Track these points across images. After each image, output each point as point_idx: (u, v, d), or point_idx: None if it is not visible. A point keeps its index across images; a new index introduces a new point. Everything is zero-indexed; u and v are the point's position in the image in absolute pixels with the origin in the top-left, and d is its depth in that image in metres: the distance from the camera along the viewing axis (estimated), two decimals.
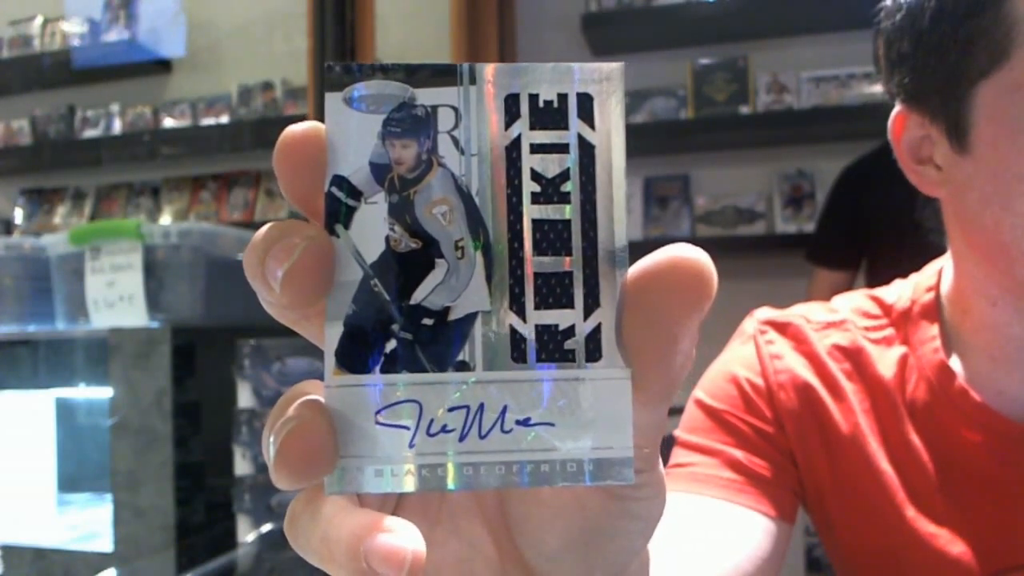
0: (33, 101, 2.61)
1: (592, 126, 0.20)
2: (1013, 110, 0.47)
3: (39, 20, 2.55)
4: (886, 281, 0.63)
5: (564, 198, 0.20)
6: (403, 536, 0.19)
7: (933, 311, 0.57)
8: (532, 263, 0.20)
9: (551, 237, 0.20)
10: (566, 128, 0.20)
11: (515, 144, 0.20)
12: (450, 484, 0.20)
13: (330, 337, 0.20)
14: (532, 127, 0.20)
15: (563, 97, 0.20)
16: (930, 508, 0.53)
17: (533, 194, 0.20)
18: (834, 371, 0.58)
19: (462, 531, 0.25)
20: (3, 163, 2.64)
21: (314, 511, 0.21)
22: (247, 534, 1.07)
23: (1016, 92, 0.46)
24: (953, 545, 0.52)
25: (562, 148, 0.20)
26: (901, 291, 0.60)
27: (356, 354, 0.20)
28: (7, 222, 2.65)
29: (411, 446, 0.20)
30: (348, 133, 0.20)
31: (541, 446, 0.20)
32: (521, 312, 0.20)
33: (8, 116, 2.61)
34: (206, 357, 1.14)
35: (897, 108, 0.54)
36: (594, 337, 0.20)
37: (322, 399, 0.20)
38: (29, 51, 2.54)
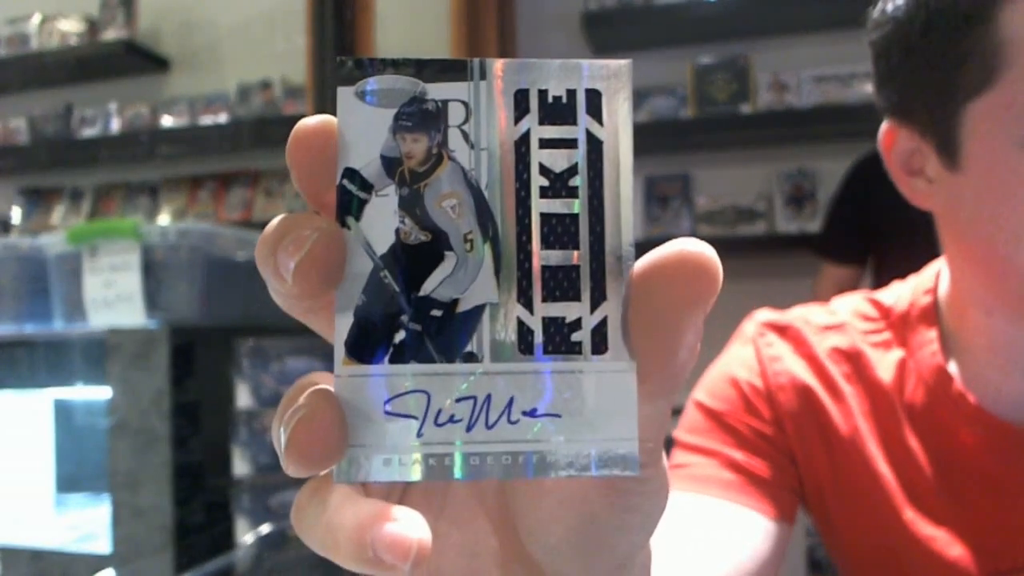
0: (31, 100, 2.61)
1: (600, 122, 0.20)
2: (1003, 130, 0.46)
3: (37, 18, 2.54)
4: (892, 279, 0.63)
5: (572, 193, 0.20)
6: (409, 525, 0.19)
7: (931, 314, 0.57)
8: (540, 256, 0.20)
9: (559, 231, 0.20)
10: (574, 123, 0.20)
11: (524, 139, 0.20)
12: (457, 474, 0.20)
13: (340, 328, 0.20)
14: (541, 122, 0.20)
15: (572, 93, 0.20)
16: (929, 510, 0.53)
17: (541, 188, 0.20)
18: (833, 373, 0.58)
19: (465, 522, 0.25)
20: (0, 162, 2.63)
21: (321, 500, 0.21)
22: (246, 535, 1.07)
23: (1006, 112, 0.46)
24: (952, 546, 0.52)
25: (570, 143, 0.20)
26: (899, 294, 0.60)
27: (365, 344, 0.20)
28: (4, 222, 2.64)
29: (419, 436, 0.20)
30: (359, 127, 0.20)
31: (547, 437, 0.20)
32: (528, 305, 0.20)
33: (5, 115, 2.61)
34: (205, 357, 1.13)
35: (887, 120, 0.54)
36: (600, 330, 0.20)
37: (331, 389, 0.20)
38: (27, 50, 2.53)
